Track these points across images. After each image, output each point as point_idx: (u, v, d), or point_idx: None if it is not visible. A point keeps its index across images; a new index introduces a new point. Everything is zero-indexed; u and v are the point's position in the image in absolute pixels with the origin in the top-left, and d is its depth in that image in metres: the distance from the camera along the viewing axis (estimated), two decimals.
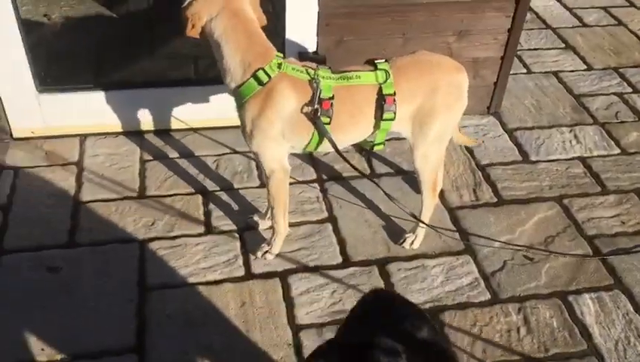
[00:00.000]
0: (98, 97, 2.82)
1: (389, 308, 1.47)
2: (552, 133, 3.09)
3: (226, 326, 2.11)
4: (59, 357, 1.99)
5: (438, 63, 2.22)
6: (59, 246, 2.35)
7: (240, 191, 2.66)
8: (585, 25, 4.05)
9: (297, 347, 2.07)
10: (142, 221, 2.48)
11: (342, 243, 2.45)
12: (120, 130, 2.91)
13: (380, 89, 2.09)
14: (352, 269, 2.34)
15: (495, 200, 2.69)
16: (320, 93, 2.04)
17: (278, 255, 2.36)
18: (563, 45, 3.82)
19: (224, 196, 2.63)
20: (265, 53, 2.07)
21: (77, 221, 2.46)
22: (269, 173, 2.20)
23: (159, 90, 2.90)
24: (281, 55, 2.11)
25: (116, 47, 3.53)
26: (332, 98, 2.05)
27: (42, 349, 2.01)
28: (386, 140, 2.28)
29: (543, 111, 3.24)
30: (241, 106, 2.11)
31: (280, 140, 2.14)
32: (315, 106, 2.04)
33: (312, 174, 2.77)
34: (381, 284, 2.29)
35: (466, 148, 2.95)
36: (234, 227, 2.48)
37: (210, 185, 2.68)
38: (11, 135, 2.82)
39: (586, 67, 3.62)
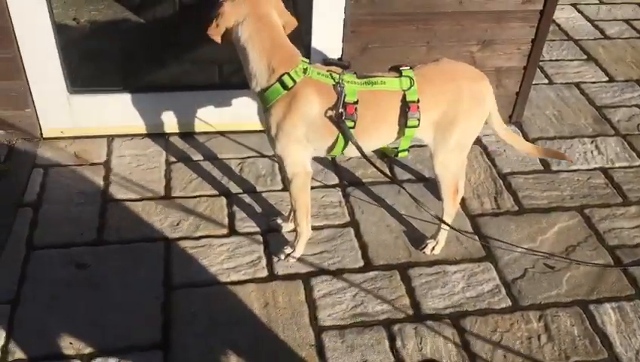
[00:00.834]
0: (125, 99, 2.89)
1: None
2: (574, 144, 3.10)
3: (250, 326, 2.15)
4: (86, 351, 2.04)
5: (462, 72, 2.25)
6: (87, 243, 2.40)
7: (263, 194, 2.70)
8: (607, 37, 4.06)
9: (319, 348, 2.09)
10: (167, 221, 2.53)
11: (363, 247, 2.47)
12: (145, 131, 2.98)
13: (404, 96, 2.12)
14: (373, 273, 2.37)
15: (516, 208, 2.70)
16: (345, 98, 2.08)
17: (300, 257, 2.39)
18: (585, 57, 3.83)
19: (247, 198, 2.67)
20: (290, 58, 2.11)
21: (105, 219, 2.51)
22: (292, 176, 2.24)
23: (185, 93, 2.96)
24: (307, 60, 2.15)
25: (143, 51, 3.60)
26: (356, 102, 2.09)
27: (70, 343, 2.06)
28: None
29: (564, 122, 3.25)
30: (266, 110, 2.15)
31: (304, 143, 2.17)
32: (340, 110, 2.08)
33: (334, 179, 2.80)
34: (402, 289, 2.31)
35: (488, 156, 2.97)
36: (257, 229, 2.52)
37: (234, 188, 2.72)
38: (42, 134, 2.90)
39: (607, 79, 3.63)
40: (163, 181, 2.73)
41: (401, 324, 2.18)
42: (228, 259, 2.38)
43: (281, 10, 2.16)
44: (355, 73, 2.16)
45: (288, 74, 2.06)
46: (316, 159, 2.57)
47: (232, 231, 2.50)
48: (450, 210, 2.42)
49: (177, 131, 3.00)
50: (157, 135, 2.98)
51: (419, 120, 2.13)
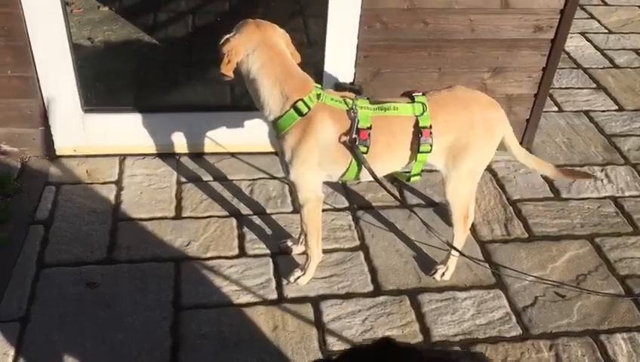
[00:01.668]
0: (138, 119, 2.91)
1: None
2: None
3: (258, 349, 2.13)
4: None
5: (475, 99, 2.26)
6: (98, 262, 2.41)
7: (273, 215, 2.71)
8: (616, 66, 4.08)
9: None
10: (178, 241, 2.53)
11: (373, 271, 2.47)
12: (157, 151, 2.99)
13: (417, 121, 2.14)
14: (382, 298, 2.36)
15: (526, 235, 2.70)
16: (358, 123, 2.09)
17: (310, 280, 2.39)
18: (594, 85, 3.85)
19: (257, 220, 2.68)
20: (303, 84, 2.12)
21: (115, 238, 2.52)
22: (304, 201, 2.24)
23: (196, 114, 2.99)
24: (319, 86, 2.16)
25: (156, 71, 3.64)
26: (370, 128, 2.10)
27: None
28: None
29: (574, 150, 3.26)
30: (280, 137, 2.16)
31: (317, 169, 2.18)
32: (354, 136, 2.09)
33: (343, 202, 2.81)
34: (412, 314, 2.30)
35: (497, 182, 2.97)
36: (267, 251, 2.52)
37: (244, 209, 2.73)
38: (55, 152, 2.92)
39: (617, 107, 3.65)
40: (174, 201, 2.74)
41: None
42: (237, 281, 2.38)
43: (287, 41, 2.18)
44: (368, 98, 2.18)
45: (302, 100, 2.08)
46: (326, 182, 2.58)
47: (242, 253, 2.51)
48: (461, 236, 2.42)
49: (188, 151, 3.02)
50: (168, 155, 3.00)
51: (431, 145, 2.15)
